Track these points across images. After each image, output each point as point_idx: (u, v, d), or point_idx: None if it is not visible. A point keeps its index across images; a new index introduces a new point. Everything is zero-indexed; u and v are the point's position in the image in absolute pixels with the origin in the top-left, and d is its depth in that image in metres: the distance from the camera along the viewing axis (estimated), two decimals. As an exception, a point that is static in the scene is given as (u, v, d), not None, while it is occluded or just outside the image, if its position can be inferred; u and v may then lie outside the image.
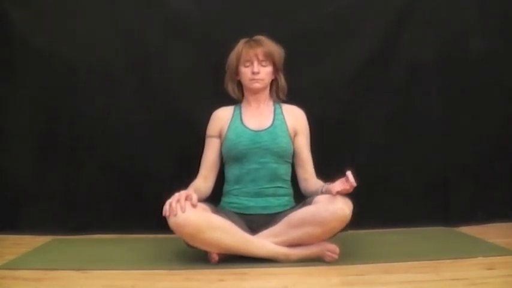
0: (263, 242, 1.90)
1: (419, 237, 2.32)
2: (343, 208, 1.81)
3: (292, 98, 2.25)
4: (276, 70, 2.19)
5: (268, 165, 2.09)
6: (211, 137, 2.18)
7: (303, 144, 2.18)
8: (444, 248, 2.12)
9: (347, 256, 1.91)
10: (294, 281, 1.73)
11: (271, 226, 1.94)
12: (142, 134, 2.50)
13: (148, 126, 2.50)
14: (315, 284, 1.71)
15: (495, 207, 2.59)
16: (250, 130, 2.13)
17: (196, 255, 1.91)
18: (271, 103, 2.23)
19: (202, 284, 1.71)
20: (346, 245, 1.98)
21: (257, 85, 2.15)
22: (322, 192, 1.95)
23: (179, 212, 1.80)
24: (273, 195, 2.09)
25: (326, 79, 2.51)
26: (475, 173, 2.61)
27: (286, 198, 2.12)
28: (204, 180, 2.13)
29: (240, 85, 2.23)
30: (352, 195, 1.84)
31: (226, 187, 2.15)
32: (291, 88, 2.24)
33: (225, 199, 2.14)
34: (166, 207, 1.81)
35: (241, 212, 2.07)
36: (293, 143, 2.16)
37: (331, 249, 1.88)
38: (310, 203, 1.90)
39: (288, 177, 2.16)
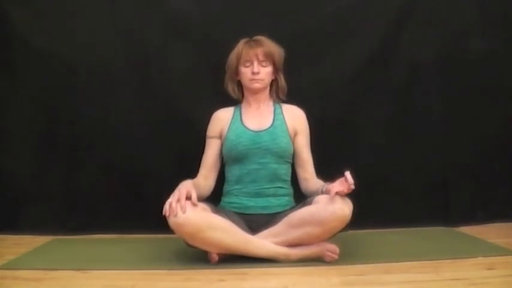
0: (263, 242, 1.90)
1: (419, 237, 2.32)
2: (343, 208, 1.81)
3: (292, 98, 2.25)
4: (276, 70, 2.19)
5: (268, 166, 2.09)
6: (212, 137, 2.18)
7: (303, 144, 2.18)
8: (444, 248, 2.12)
9: (347, 256, 1.91)
10: (294, 281, 1.73)
11: (271, 226, 1.94)
12: (142, 134, 2.50)
13: (148, 126, 2.50)
14: (315, 284, 1.71)
15: (495, 207, 2.59)
16: (250, 130, 2.13)
17: (196, 255, 1.91)
18: (271, 103, 2.23)
19: (202, 284, 1.71)
20: (346, 245, 1.98)
21: (257, 85, 2.15)
22: (322, 192, 1.95)
23: (179, 212, 1.80)
24: (273, 195, 2.09)
25: (326, 79, 2.51)
26: (475, 173, 2.61)
27: (286, 198, 2.12)
28: (204, 180, 2.14)
29: (240, 85, 2.23)
30: (352, 195, 1.84)
31: (227, 187, 2.15)
32: (291, 88, 2.24)
33: (225, 199, 2.14)
34: (166, 207, 1.82)
35: (241, 211, 2.07)
36: (293, 143, 2.16)
37: (331, 249, 1.88)
38: (310, 203, 1.90)
39: (288, 178, 2.16)
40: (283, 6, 2.50)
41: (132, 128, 2.50)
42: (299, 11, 2.50)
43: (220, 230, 1.85)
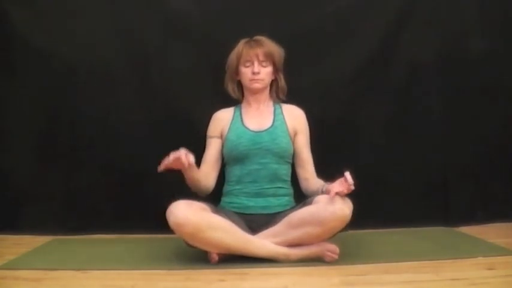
0: (263, 242, 1.90)
1: (419, 237, 2.32)
2: (343, 208, 1.81)
3: (292, 98, 2.25)
4: (276, 70, 2.19)
5: (268, 166, 2.09)
6: (212, 137, 2.18)
7: (303, 144, 2.18)
8: (444, 248, 2.12)
9: (347, 256, 1.91)
10: (294, 281, 1.73)
11: (271, 226, 1.94)
12: (142, 134, 2.50)
13: (148, 126, 2.50)
14: (315, 284, 1.71)
15: (495, 207, 2.59)
16: (250, 131, 2.13)
17: (196, 255, 1.91)
18: (271, 103, 2.23)
19: (202, 284, 1.71)
20: (346, 245, 1.98)
21: (257, 85, 2.15)
22: (322, 192, 1.95)
23: (179, 212, 1.81)
24: (273, 195, 2.09)
25: (326, 79, 2.51)
26: (475, 173, 2.61)
27: (287, 198, 2.12)
28: (205, 177, 2.13)
29: (240, 85, 2.23)
30: (352, 195, 1.84)
31: (227, 187, 2.16)
32: (291, 88, 2.24)
33: (225, 199, 2.14)
34: (164, 161, 1.83)
35: (242, 211, 2.07)
36: (293, 143, 2.16)
37: (331, 249, 1.88)
38: (310, 203, 1.90)
39: (288, 178, 2.16)
40: (283, 6, 2.50)
41: (132, 128, 2.50)
42: (299, 11, 2.50)
43: (220, 230, 1.85)
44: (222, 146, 2.17)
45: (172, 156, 1.87)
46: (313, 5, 2.52)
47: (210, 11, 2.50)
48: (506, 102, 2.63)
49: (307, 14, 2.51)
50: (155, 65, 2.51)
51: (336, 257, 1.88)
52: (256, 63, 2.12)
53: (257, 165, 2.08)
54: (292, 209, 2.01)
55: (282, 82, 2.22)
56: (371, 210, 2.37)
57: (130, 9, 2.50)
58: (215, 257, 1.87)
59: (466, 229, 2.46)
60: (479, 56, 2.57)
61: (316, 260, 1.88)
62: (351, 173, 1.80)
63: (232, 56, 2.18)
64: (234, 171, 2.13)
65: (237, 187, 2.11)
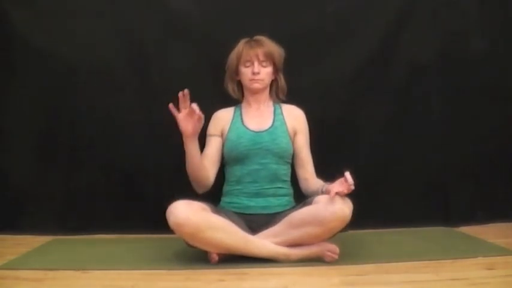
0: (263, 242, 1.90)
1: (419, 237, 2.32)
2: (343, 208, 1.81)
3: (292, 98, 2.25)
4: (276, 70, 2.19)
5: (268, 166, 2.09)
6: (213, 135, 2.17)
7: (303, 144, 2.18)
8: (444, 248, 2.12)
9: (347, 256, 1.91)
10: (294, 281, 1.73)
11: (271, 226, 1.95)
12: (142, 134, 2.50)
13: (148, 126, 2.50)
14: (315, 284, 1.71)
15: (495, 207, 2.59)
16: (250, 131, 2.13)
17: (196, 255, 1.91)
18: (271, 103, 2.23)
19: (202, 284, 1.71)
20: (346, 245, 1.98)
21: (257, 85, 2.15)
22: (322, 192, 1.95)
23: (179, 212, 1.81)
24: (273, 195, 2.09)
25: (326, 79, 2.51)
26: (475, 173, 2.61)
27: (287, 198, 2.12)
28: (205, 167, 2.11)
29: (240, 85, 2.23)
30: (352, 195, 1.84)
31: (227, 187, 2.16)
32: (291, 88, 2.24)
33: (225, 199, 2.14)
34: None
35: (241, 211, 2.07)
36: (293, 143, 2.16)
37: (331, 249, 1.88)
38: (310, 203, 1.90)
39: (288, 178, 2.16)
40: (283, 6, 2.50)
41: (132, 128, 2.50)
42: (299, 11, 2.50)
43: (220, 230, 1.85)
44: (222, 145, 2.17)
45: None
46: (313, 5, 2.52)
47: (210, 11, 2.50)
48: (506, 102, 2.62)
49: (307, 14, 2.51)
50: (155, 65, 2.51)
51: (336, 257, 1.88)
52: (256, 63, 2.12)
53: (257, 166, 2.08)
54: (292, 209, 2.01)
55: (282, 82, 2.22)
56: (371, 210, 2.38)
57: (131, 9, 2.50)
58: (215, 257, 1.87)
59: (466, 229, 2.46)
60: (479, 56, 2.57)
61: (316, 260, 1.88)
62: (351, 173, 1.81)
63: (232, 56, 2.18)
64: (234, 172, 2.13)
65: (237, 187, 2.11)
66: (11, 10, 2.46)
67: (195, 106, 1.89)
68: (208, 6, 2.50)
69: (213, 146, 2.16)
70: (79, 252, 2.15)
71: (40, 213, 2.49)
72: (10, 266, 1.91)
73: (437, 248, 2.12)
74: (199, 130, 1.96)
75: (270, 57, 2.14)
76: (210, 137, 2.18)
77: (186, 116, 1.92)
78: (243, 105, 2.23)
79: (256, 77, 2.13)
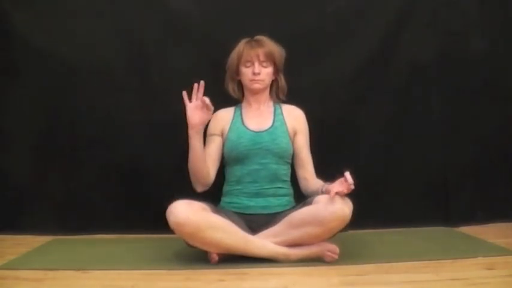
0: (263, 242, 1.90)
1: (419, 237, 2.32)
2: (343, 208, 1.81)
3: (292, 98, 2.25)
4: (276, 71, 2.19)
5: (268, 166, 2.09)
6: (213, 135, 2.17)
7: (303, 144, 2.18)
8: (444, 248, 2.12)
9: (347, 256, 1.91)
10: (294, 281, 1.73)
11: (271, 226, 1.95)
12: (142, 134, 2.50)
13: (148, 126, 2.50)
14: (315, 284, 1.71)
15: (495, 207, 2.59)
16: (250, 131, 2.13)
17: (196, 255, 1.91)
18: (271, 103, 2.23)
19: (202, 284, 1.71)
20: (346, 245, 1.98)
21: (257, 86, 2.15)
22: (322, 192, 1.95)
23: (179, 212, 1.81)
24: (273, 195, 2.09)
25: (326, 79, 2.51)
26: (475, 173, 2.61)
27: (287, 198, 2.12)
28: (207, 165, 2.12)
29: (240, 85, 2.23)
30: (352, 195, 1.84)
31: (227, 187, 2.16)
32: (291, 88, 2.24)
33: (225, 199, 2.14)
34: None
35: (241, 211, 2.07)
36: (293, 143, 2.16)
37: (331, 249, 1.88)
38: (310, 203, 1.91)
39: (288, 178, 2.16)
40: (283, 6, 2.50)
41: (132, 128, 2.50)
42: (299, 11, 2.50)
43: (220, 230, 1.85)
44: (223, 145, 2.17)
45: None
46: (313, 5, 2.52)
47: (210, 11, 2.50)
48: (506, 102, 2.62)
49: (307, 14, 2.51)
50: (155, 65, 2.51)
51: (336, 257, 1.88)
52: (256, 64, 2.12)
53: (257, 166, 2.08)
54: (292, 209, 2.01)
55: (283, 82, 2.22)
56: (371, 210, 2.38)
57: (131, 9, 2.50)
58: (215, 257, 1.87)
59: (466, 229, 2.46)
60: (479, 56, 2.57)
61: (316, 260, 1.88)
62: (351, 173, 1.81)
63: (233, 56, 2.18)
64: (234, 172, 2.13)
65: (237, 187, 2.11)
66: (11, 10, 2.46)
67: (206, 99, 1.95)
68: (208, 6, 2.50)
69: (213, 145, 2.16)
70: (79, 252, 2.15)
71: (40, 213, 2.49)
72: (10, 266, 1.91)
73: (437, 248, 2.12)
74: (205, 123, 2.01)
75: (270, 58, 2.14)
76: (210, 137, 2.18)
77: (196, 106, 1.97)
78: (243, 105, 2.23)
79: (257, 78, 2.13)
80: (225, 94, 2.22)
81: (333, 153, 2.42)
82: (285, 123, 2.17)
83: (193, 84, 2.25)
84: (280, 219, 1.94)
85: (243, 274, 1.79)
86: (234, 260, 1.88)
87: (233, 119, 2.19)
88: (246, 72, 2.14)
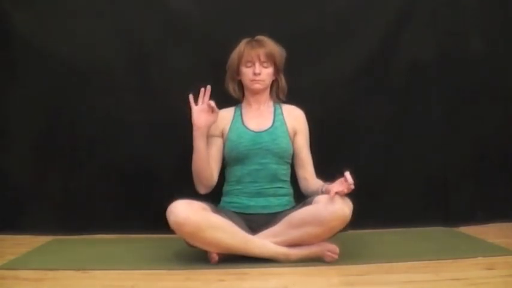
0: (263, 242, 1.90)
1: (419, 237, 2.32)
2: (343, 208, 1.81)
3: (292, 98, 2.25)
4: (277, 71, 2.19)
5: (268, 166, 2.09)
6: (213, 136, 2.17)
7: (302, 144, 2.18)
8: (444, 248, 2.12)
9: (347, 256, 1.91)
10: (294, 281, 1.73)
11: (271, 226, 1.95)
12: (142, 134, 2.50)
13: (148, 126, 2.50)
14: (315, 284, 1.71)
15: (495, 207, 2.59)
16: (250, 131, 2.13)
17: (196, 255, 1.91)
18: (271, 104, 2.23)
19: (202, 284, 1.71)
20: (346, 245, 1.98)
21: (258, 86, 2.15)
22: (322, 192, 1.95)
23: (180, 212, 1.81)
24: (274, 195, 2.09)
25: (326, 79, 2.51)
26: (475, 173, 2.61)
27: (287, 198, 2.12)
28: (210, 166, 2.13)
29: (240, 85, 2.23)
30: (352, 195, 1.84)
31: (227, 187, 2.16)
32: (291, 88, 2.24)
33: (225, 199, 2.14)
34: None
35: (242, 211, 2.07)
36: (292, 143, 2.16)
37: (331, 249, 1.88)
38: (310, 203, 1.91)
39: (288, 178, 2.16)
40: (283, 6, 2.50)
41: (132, 128, 2.50)
42: (299, 11, 2.50)
43: (221, 230, 1.85)
44: (223, 145, 2.17)
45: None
46: (313, 5, 2.52)
47: (210, 11, 2.50)
48: (506, 102, 2.63)
49: (307, 14, 2.51)
50: (155, 65, 2.51)
51: (336, 257, 1.88)
52: (257, 64, 2.12)
53: (257, 166, 2.08)
54: (292, 209, 2.01)
55: (283, 82, 2.22)
56: (371, 210, 2.38)
57: (131, 9, 2.50)
58: (215, 257, 1.87)
59: (466, 229, 2.46)
60: (479, 56, 2.57)
61: (316, 260, 1.88)
62: (351, 173, 1.81)
63: (234, 56, 2.18)
64: (234, 172, 2.13)
65: (237, 187, 2.11)
66: (11, 10, 2.46)
67: (211, 102, 2.00)
68: (208, 6, 2.51)
69: (215, 147, 2.16)
70: (79, 252, 2.15)
71: (40, 213, 2.49)
72: (10, 266, 1.91)
73: (437, 248, 2.12)
74: (210, 125, 2.06)
75: (271, 58, 2.14)
76: (210, 138, 2.18)
77: (202, 109, 2.02)
78: (243, 105, 2.23)
79: (257, 78, 2.13)
80: (225, 94, 2.22)
81: (333, 153, 2.42)
82: (285, 123, 2.17)
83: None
84: (280, 219, 1.94)
85: (243, 274, 1.79)
86: (234, 260, 1.88)
87: (233, 119, 2.19)
88: (247, 73, 2.14)
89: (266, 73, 2.14)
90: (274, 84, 2.23)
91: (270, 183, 2.09)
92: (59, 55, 2.48)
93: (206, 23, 2.49)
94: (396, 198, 2.54)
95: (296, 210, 1.94)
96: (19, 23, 2.47)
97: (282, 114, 2.19)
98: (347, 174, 1.80)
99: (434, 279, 1.68)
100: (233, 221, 1.92)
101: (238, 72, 2.18)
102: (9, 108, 2.52)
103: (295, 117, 2.20)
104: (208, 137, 2.17)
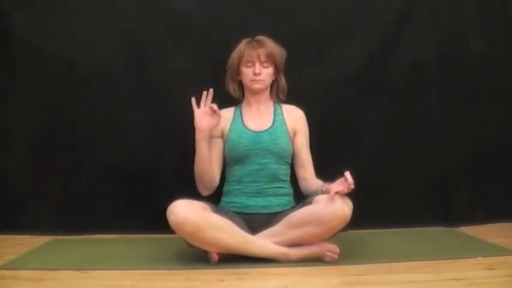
0: (263, 242, 1.90)
1: (419, 237, 2.32)
2: (343, 208, 1.81)
3: (292, 98, 2.25)
4: (277, 71, 2.19)
5: (268, 166, 2.09)
6: (214, 137, 2.17)
7: (302, 144, 2.18)
8: (444, 248, 2.12)
9: (347, 256, 1.91)
10: (294, 281, 1.73)
11: (271, 226, 1.95)
12: (142, 134, 2.50)
13: (149, 126, 2.50)
14: (315, 284, 1.71)
15: (495, 207, 2.59)
16: (250, 131, 2.13)
17: (196, 255, 1.91)
18: (271, 104, 2.23)
19: (202, 284, 1.71)
20: (346, 245, 1.98)
21: (258, 86, 2.15)
22: (322, 192, 1.95)
23: (180, 211, 1.81)
24: (274, 195, 2.09)
25: (326, 79, 2.51)
26: (475, 173, 2.61)
27: (287, 198, 2.12)
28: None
29: (240, 85, 2.23)
30: (352, 195, 1.84)
31: (227, 187, 2.16)
32: (291, 88, 2.24)
33: (225, 199, 2.14)
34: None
35: (242, 211, 2.07)
36: (292, 143, 2.16)
37: (331, 249, 1.88)
38: (310, 203, 1.91)
39: (287, 178, 2.16)
40: (283, 6, 2.50)
41: (132, 128, 2.50)
42: (299, 11, 2.50)
43: (221, 230, 1.85)
44: (223, 146, 2.17)
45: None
46: (313, 5, 2.52)
47: (210, 11, 2.50)
48: (506, 102, 2.63)
49: (307, 14, 2.51)
50: (155, 65, 2.51)
51: (336, 257, 1.88)
52: (257, 64, 2.12)
53: (257, 166, 2.08)
54: (292, 208, 2.01)
55: (283, 83, 2.22)
56: (371, 210, 2.38)
57: (131, 9, 2.50)
58: (215, 257, 1.87)
59: (466, 229, 2.46)
60: (479, 56, 2.57)
61: (316, 260, 1.88)
62: (351, 173, 1.81)
63: (234, 56, 2.18)
64: (234, 171, 2.13)
65: (237, 187, 2.11)
66: (11, 10, 2.46)
67: (214, 106, 2.02)
68: (208, 6, 2.51)
69: (215, 148, 2.16)
70: (79, 252, 2.15)
71: (40, 213, 2.49)
72: (10, 266, 1.91)
73: (437, 248, 2.12)
74: (212, 128, 2.07)
75: (271, 58, 2.14)
76: (211, 139, 2.17)
77: (204, 112, 2.03)
78: (243, 105, 2.23)
79: (257, 78, 2.13)
80: (225, 94, 2.22)
81: (333, 153, 2.42)
82: (285, 123, 2.17)
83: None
84: (280, 219, 1.94)
85: (243, 274, 1.79)
86: (234, 260, 1.88)
87: (233, 119, 2.19)
88: (247, 73, 2.14)
89: (266, 73, 2.14)
90: (274, 84, 2.23)
91: (270, 183, 2.09)
92: (59, 55, 2.48)
93: (206, 23, 2.49)
94: (396, 198, 2.54)
95: (296, 210, 1.94)
96: (19, 23, 2.47)
97: (282, 114, 2.19)
98: (347, 174, 1.80)
99: (434, 279, 1.68)
100: (233, 221, 1.92)
101: (238, 72, 2.18)
102: (9, 108, 2.52)
103: (295, 117, 2.20)
104: (209, 138, 2.18)
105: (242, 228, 1.93)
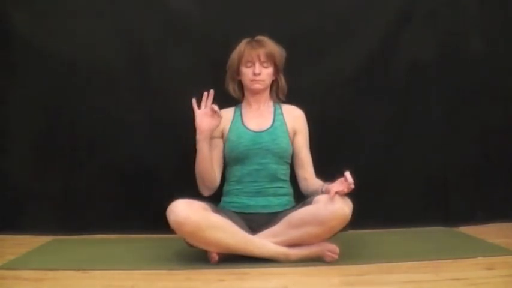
0: (263, 242, 1.90)
1: (419, 237, 2.32)
2: (343, 208, 1.81)
3: (292, 98, 2.25)
4: (277, 71, 2.19)
5: (268, 166, 2.09)
6: (214, 138, 2.17)
7: (302, 144, 2.18)
8: (444, 248, 2.12)
9: (347, 256, 1.91)
10: (294, 281, 1.73)
11: (271, 225, 1.95)
12: (142, 134, 2.50)
13: (149, 126, 2.50)
14: (315, 284, 1.71)
15: (495, 207, 2.59)
16: (250, 131, 2.13)
17: (196, 255, 1.91)
18: (271, 104, 2.23)
19: (202, 284, 1.71)
20: (346, 245, 1.98)
21: (258, 86, 2.15)
22: (322, 192, 1.95)
23: (180, 211, 1.81)
24: (274, 194, 2.09)
25: (326, 79, 2.51)
26: (475, 173, 2.61)
27: (287, 197, 2.12)
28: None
29: (240, 85, 2.23)
30: (352, 195, 1.84)
31: (227, 187, 2.16)
32: (291, 88, 2.24)
33: (225, 199, 2.14)
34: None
35: (242, 211, 2.07)
36: (292, 143, 2.16)
37: (331, 249, 1.88)
38: (310, 203, 1.91)
39: (287, 178, 2.16)
40: (283, 6, 2.50)
41: (132, 128, 2.50)
42: (299, 11, 2.50)
43: (221, 230, 1.85)
44: (224, 146, 2.17)
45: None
46: (313, 5, 2.52)
47: (210, 11, 2.50)
48: (506, 102, 2.63)
49: (307, 14, 2.51)
50: (155, 65, 2.51)
51: (336, 257, 1.88)
52: (257, 64, 2.12)
53: (257, 166, 2.08)
54: (292, 208, 2.01)
55: (283, 83, 2.22)
56: (371, 210, 2.38)
57: (131, 9, 2.50)
58: (215, 257, 1.87)
59: (466, 229, 2.46)
60: (479, 56, 2.57)
61: (316, 260, 1.88)
62: (351, 173, 1.81)
63: (234, 56, 2.18)
64: (234, 171, 2.13)
65: (238, 187, 2.11)
66: (11, 10, 2.46)
67: (215, 107, 2.02)
68: (208, 6, 2.50)
69: (216, 148, 2.16)
70: (79, 252, 2.15)
71: (40, 213, 2.49)
72: (10, 266, 1.91)
73: (437, 248, 2.12)
74: (213, 129, 2.07)
75: (271, 58, 2.14)
76: (211, 140, 2.18)
77: (205, 113, 2.04)
78: (243, 105, 2.23)
79: (257, 78, 2.13)
80: (225, 94, 2.22)
81: (333, 153, 2.42)
82: (285, 123, 2.17)
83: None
84: (280, 219, 1.94)
85: (243, 274, 1.79)
86: (234, 260, 1.88)
87: (233, 119, 2.19)
88: (247, 73, 2.14)
89: (266, 73, 2.14)
90: (274, 84, 2.23)
91: (270, 183, 2.09)
92: (59, 55, 2.48)
93: (206, 23, 2.49)
94: (396, 198, 2.54)
95: (296, 210, 1.94)
96: (19, 23, 2.47)
97: (282, 114, 2.19)
98: (347, 174, 1.80)
99: (434, 279, 1.68)
100: (233, 221, 1.92)
101: (238, 72, 2.18)
102: (9, 108, 2.52)
103: (295, 117, 2.20)
104: (210, 139, 2.18)
105: (242, 228, 1.93)
